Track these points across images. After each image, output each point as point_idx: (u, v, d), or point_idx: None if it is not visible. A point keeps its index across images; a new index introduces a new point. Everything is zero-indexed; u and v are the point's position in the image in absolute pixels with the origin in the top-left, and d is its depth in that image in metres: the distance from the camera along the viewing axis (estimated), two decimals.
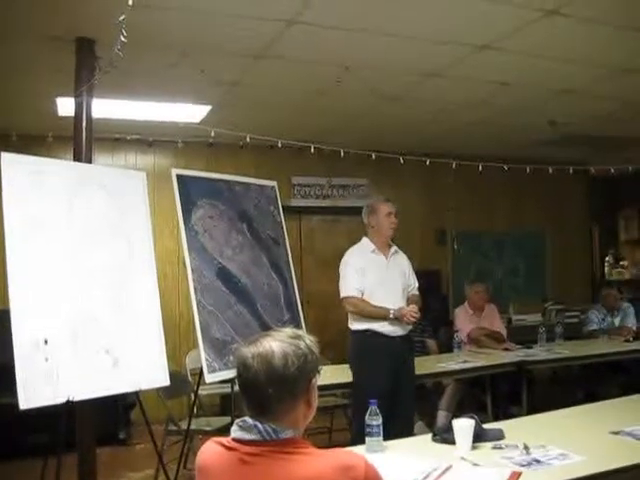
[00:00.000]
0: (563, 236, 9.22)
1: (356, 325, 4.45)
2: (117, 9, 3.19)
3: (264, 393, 1.62)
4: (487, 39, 4.47)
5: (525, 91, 5.70)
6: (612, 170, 7.41)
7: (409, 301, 4.55)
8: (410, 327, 4.50)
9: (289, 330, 1.74)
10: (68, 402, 3.36)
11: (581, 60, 4.90)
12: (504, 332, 6.33)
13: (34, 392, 3.23)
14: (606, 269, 9.41)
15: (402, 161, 6.23)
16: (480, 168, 6.64)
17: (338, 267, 4.56)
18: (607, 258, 9.41)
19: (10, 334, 3.21)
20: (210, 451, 1.73)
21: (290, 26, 4.13)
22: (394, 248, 4.63)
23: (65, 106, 5.21)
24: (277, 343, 1.66)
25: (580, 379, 6.36)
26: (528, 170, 6.91)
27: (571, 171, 7.12)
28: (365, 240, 4.60)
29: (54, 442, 3.40)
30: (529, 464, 2.50)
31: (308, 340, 1.72)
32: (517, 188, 8.66)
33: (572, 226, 9.37)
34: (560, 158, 7.60)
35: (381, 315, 4.36)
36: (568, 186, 8.93)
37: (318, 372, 1.73)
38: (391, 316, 4.34)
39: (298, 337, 1.70)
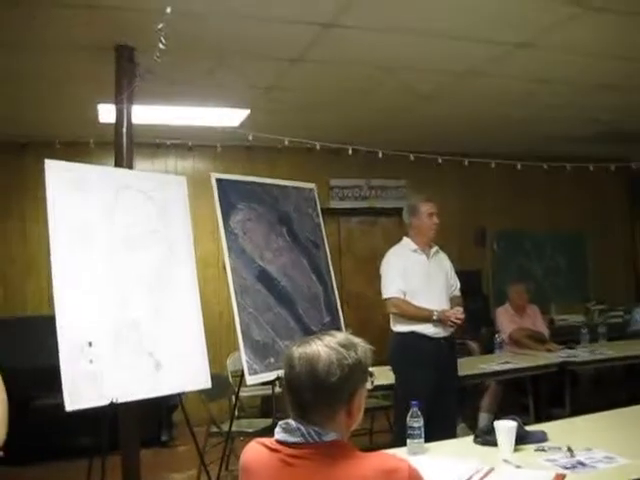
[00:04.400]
0: (605, 234, 9.05)
1: (399, 327, 4.40)
2: (156, 17, 3.24)
3: (304, 396, 1.62)
4: (524, 37, 4.42)
5: (564, 88, 5.62)
6: None
7: (452, 302, 4.48)
8: (453, 328, 4.42)
9: (344, 337, 1.69)
10: (112, 404, 3.42)
11: (621, 55, 4.82)
12: (546, 333, 6.26)
13: (79, 394, 3.30)
14: None
15: (440, 161, 6.20)
16: (519, 167, 6.57)
17: (377, 268, 4.52)
18: None
19: (56, 338, 3.29)
20: (253, 451, 1.74)
21: (327, 29, 4.14)
22: (435, 248, 4.56)
23: (106, 113, 5.29)
24: (325, 349, 1.62)
25: (624, 380, 6.26)
26: (568, 168, 6.81)
27: (613, 168, 7.02)
28: (406, 240, 4.54)
29: (98, 443, 3.46)
30: (573, 467, 2.47)
31: (361, 350, 1.67)
32: (557, 186, 8.56)
33: (614, 224, 9.21)
34: (600, 155, 7.48)
35: (424, 317, 4.30)
36: (608, 183, 8.76)
37: (372, 381, 1.71)
38: (434, 318, 4.27)
39: (350, 346, 1.65)
